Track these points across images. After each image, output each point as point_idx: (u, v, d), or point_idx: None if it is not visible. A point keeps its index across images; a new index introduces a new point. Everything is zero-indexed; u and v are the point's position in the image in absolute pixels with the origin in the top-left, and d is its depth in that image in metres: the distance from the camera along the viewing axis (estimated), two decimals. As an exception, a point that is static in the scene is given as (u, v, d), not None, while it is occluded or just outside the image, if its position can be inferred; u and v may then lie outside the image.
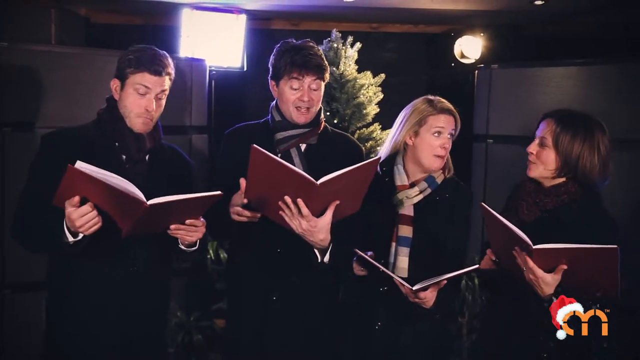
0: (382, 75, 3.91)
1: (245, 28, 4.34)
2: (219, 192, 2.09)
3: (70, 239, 2.12)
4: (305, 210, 2.16)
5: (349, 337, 2.58)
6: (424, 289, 2.24)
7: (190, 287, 3.85)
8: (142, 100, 2.32)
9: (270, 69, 2.51)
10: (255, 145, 2.08)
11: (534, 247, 2.02)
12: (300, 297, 2.48)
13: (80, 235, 2.12)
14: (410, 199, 2.47)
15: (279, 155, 2.43)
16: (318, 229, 2.20)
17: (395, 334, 2.48)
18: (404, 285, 2.26)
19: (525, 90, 3.92)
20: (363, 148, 2.69)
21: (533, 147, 2.32)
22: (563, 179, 2.30)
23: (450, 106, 2.52)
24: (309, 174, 2.31)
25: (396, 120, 2.58)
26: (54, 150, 2.27)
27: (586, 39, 4.75)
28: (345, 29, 4.12)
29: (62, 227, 2.10)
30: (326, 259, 2.34)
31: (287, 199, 2.16)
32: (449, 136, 2.49)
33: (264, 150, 2.08)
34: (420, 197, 2.48)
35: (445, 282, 2.25)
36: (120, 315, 2.32)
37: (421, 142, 2.48)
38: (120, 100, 2.34)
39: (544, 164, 2.30)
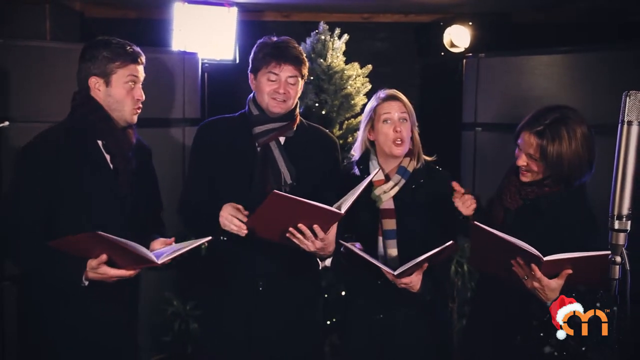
0: (369, 66, 3.96)
1: (237, 20, 4.39)
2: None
3: (85, 282, 2.19)
4: (322, 234, 2.27)
5: (348, 330, 2.67)
6: (406, 272, 2.32)
7: (186, 277, 3.91)
8: (135, 91, 2.36)
9: (250, 63, 2.57)
10: (276, 191, 2.18)
11: (545, 258, 2.08)
12: (287, 284, 2.54)
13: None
14: (387, 192, 2.54)
15: (259, 148, 2.51)
16: (329, 244, 2.33)
17: (392, 322, 2.56)
18: (388, 272, 2.34)
19: (512, 78, 3.99)
20: (350, 138, 2.76)
21: (522, 161, 2.35)
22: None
23: (394, 92, 2.59)
24: (289, 166, 2.39)
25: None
26: (39, 163, 2.26)
27: (574, 25, 4.79)
28: (336, 19, 4.16)
29: (79, 274, 2.16)
30: (327, 262, 2.45)
31: (302, 227, 2.26)
32: (401, 120, 2.54)
33: (286, 195, 2.19)
34: (397, 189, 2.54)
35: (427, 264, 2.32)
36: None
37: (379, 134, 2.56)
38: (110, 96, 2.33)
39: (536, 172, 2.36)
